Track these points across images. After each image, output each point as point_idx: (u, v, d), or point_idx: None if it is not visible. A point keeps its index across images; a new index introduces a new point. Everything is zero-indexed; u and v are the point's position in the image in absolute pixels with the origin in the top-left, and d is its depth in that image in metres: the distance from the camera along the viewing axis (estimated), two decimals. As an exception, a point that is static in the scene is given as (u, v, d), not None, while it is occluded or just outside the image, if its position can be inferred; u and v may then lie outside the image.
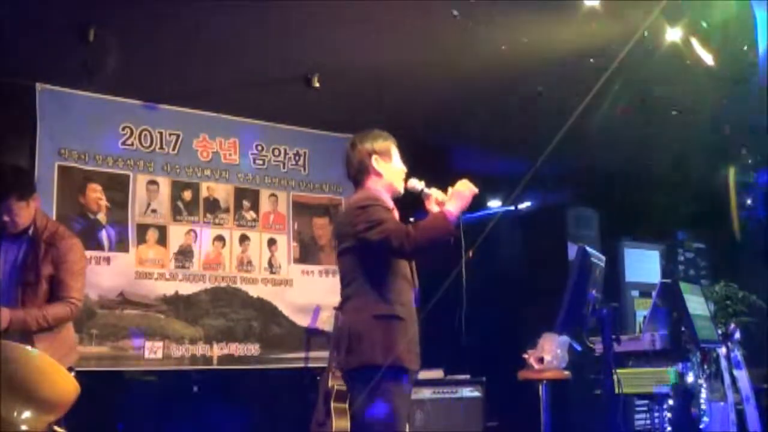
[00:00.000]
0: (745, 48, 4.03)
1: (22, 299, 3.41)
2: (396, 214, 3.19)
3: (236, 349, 5.79)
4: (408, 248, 2.95)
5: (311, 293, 6.16)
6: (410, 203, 3.38)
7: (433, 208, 3.17)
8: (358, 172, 3.24)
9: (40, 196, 3.70)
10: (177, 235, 5.71)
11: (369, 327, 2.98)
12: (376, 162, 3.21)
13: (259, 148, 6.11)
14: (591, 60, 4.51)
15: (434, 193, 3.20)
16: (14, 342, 3.09)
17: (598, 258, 3.68)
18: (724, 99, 5.27)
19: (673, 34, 4.28)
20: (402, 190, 3.26)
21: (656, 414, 4.59)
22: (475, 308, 3.21)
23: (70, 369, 3.30)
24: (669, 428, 4.37)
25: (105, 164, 5.46)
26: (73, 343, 3.75)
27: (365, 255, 3.05)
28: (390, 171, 3.23)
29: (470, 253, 3.13)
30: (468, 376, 5.84)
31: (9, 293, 3.40)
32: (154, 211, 5.65)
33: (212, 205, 5.89)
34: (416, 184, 3.25)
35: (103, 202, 5.45)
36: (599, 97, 5.25)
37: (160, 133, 5.70)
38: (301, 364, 6.06)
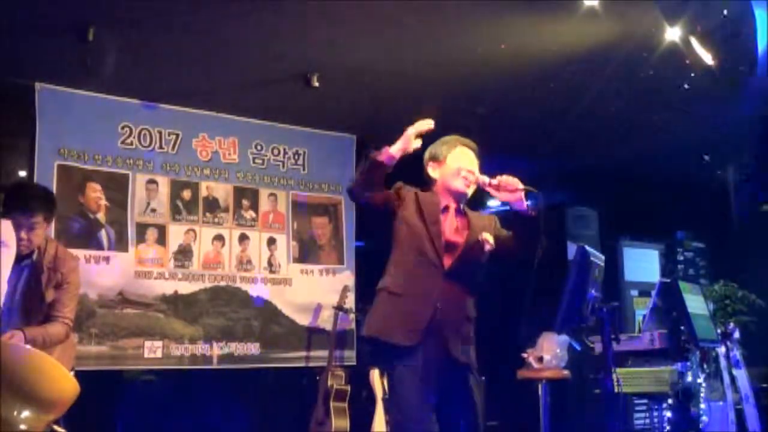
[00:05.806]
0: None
1: (27, 324, 3.36)
2: (460, 220, 3.16)
3: (236, 348, 5.80)
4: (348, 191, 3.05)
5: (311, 292, 6.16)
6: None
7: (501, 195, 3.03)
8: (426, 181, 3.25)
9: None
10: (176, 234, 5.71)
11: (374, 301, 3.11)
12: (431, 170, 3.23)
13: (259, 147, 6.10)
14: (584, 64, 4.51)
15: (502, 179, 3.02)
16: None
17: (598, 257, 3.68)
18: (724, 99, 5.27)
19: (673, 34, 4.29)
20: (462, 188, 3.14)
21: (655, 413, 4.60)
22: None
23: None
24: (668, 428, 4.38)
25: (104, 163, 5.46)
26: (74, 345, 3.80)
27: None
28: (443, 173, 3.18)
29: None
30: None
31: (11, 319, 3.36)
32: (153, 210, 5.64)
33: (211, 205, 5.89)
34: (484, 179, 3.09)
35: (103, 202, 5.44)
36: (599, 97, 5.27)
37: (160, 133, 5.70)
38: (301, 364, 6.06)
